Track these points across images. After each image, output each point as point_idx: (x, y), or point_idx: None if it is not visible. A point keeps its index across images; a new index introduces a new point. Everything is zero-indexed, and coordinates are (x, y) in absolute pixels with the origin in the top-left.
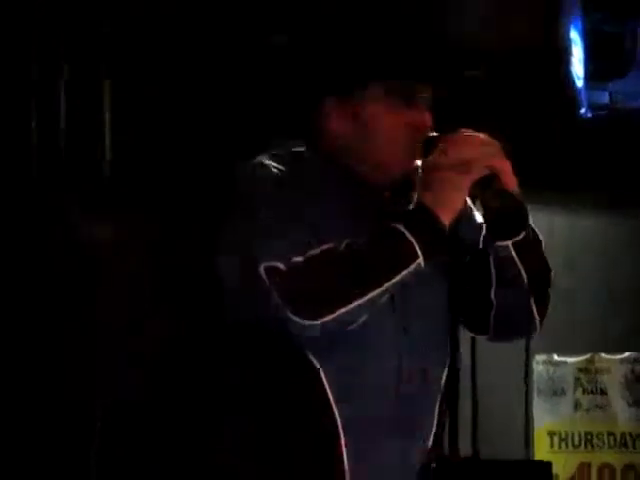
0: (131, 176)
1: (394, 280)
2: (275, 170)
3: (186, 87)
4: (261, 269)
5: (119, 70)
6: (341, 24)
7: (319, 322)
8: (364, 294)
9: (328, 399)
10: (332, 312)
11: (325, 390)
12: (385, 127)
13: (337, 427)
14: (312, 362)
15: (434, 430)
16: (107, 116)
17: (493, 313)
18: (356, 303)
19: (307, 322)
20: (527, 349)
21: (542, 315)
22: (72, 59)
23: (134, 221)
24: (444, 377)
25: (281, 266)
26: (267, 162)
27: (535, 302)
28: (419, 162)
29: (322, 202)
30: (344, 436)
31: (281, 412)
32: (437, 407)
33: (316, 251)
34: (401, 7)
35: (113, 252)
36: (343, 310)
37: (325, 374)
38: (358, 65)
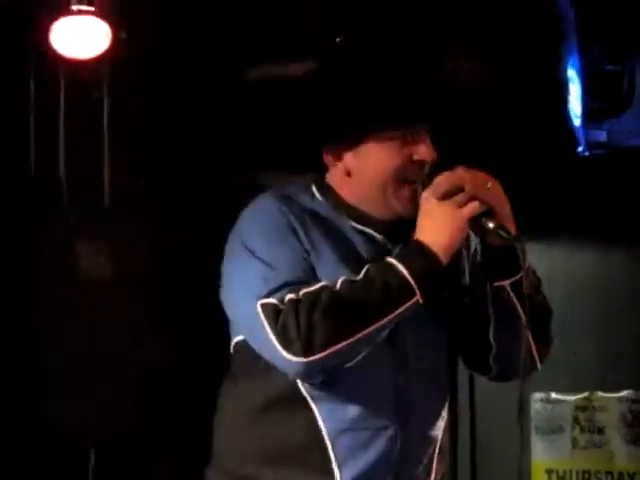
0: (130, 203)
1: (390, 317)
2: (279, 207)
3: (184, 118)
4: (258, 305)
5: (118, 95)
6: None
7: (311, 359)
8: (359, 332)
9: (322, 435)
10: (325, 350)
11: (318, 426)
12: (384, 165)
13: (331, 464)
14: (305, 397)
15: (434, 469)
16: (106, 143)
17: (493, 353)
18: (350, 341)
19: (298, 359)
20: (522, 390)
21: (543, 355)
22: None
23: (131, 245)
24: (444, 414)
25: (276, 303)
26: (273, 199)
27: (535, 342)
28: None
29: (323, 241)
30: (339, 473)
31: (273, 444)
32: (438, 445)
33: (311, 288)
34: (395, 56)
35: (110, 277)
36: (336, 348)
37: (319, 409)
38: (353, 120)
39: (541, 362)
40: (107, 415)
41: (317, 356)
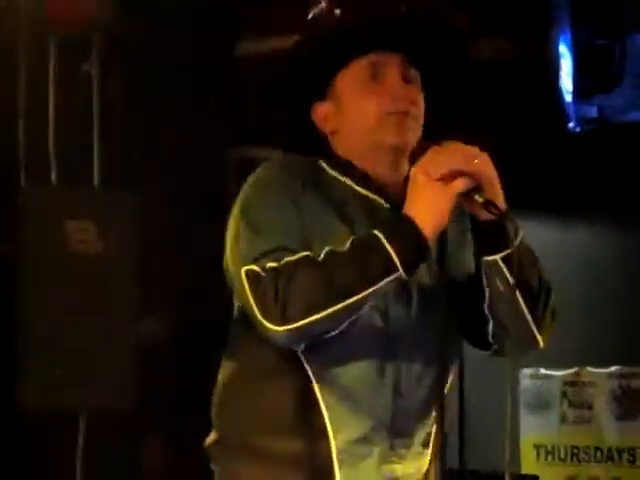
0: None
1: (370, 290)
2: (279, 176)
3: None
4: (242, 271)
5: (108, 74)
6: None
7: (288, 328)
8: (337, 303)
9: (318, 402)
10: (301, 319)
11: (315, 393)
12: (359, 102)
13: (326, 430)
14: (302, 363)
15: (431, 444)
16: (96, 124)
17: (490, 328)
18: (328, 311)
19: (276, 327)
20: (512, 364)
21: (545, 331)
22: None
23: (122, 223)
24: (442, 388)
25: (259, 270)
26: (275, 166)
27: (533, 317)
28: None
29: (324, 209)
30: (334, 439)
31: (272, 411)
32: (433, 420)
33: (293, 257)
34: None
35: (104, 260)
36: (314, 318)
37: (315, 377)
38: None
39: (544, 340)
40: (101, 390)
41: (294, 325)
